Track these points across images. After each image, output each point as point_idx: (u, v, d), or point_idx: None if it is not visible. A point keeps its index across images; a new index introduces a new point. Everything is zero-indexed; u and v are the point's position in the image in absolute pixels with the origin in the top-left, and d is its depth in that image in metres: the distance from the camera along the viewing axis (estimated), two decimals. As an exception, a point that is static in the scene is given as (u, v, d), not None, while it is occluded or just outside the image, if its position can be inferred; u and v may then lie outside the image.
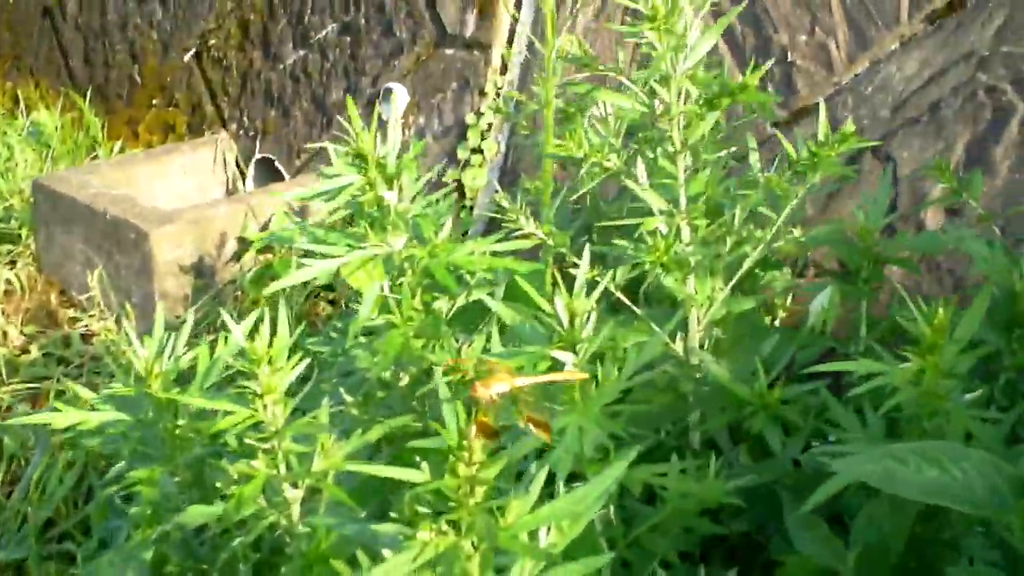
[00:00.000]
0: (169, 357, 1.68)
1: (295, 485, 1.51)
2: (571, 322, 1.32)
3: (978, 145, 2.43)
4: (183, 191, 3.38)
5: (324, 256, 1.73)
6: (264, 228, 3.05)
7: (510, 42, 2.92)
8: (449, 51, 2.96)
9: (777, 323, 2.10)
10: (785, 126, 2.65)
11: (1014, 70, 2.42)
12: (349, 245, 1.72)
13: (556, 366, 1.35)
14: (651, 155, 1.64)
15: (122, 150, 3.74)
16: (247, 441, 1.47)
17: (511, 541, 1.06)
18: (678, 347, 1.72)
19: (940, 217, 2.43)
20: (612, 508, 1.48)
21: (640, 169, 1.57)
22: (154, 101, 3.65)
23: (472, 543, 1.07)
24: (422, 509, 1.05)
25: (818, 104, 2.36)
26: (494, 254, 1.71)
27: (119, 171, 3.32)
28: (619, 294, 1.69)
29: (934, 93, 2.50)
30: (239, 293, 2.98)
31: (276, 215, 3.02)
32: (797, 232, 2.24)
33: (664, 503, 1.46)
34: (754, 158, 1.67)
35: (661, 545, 1.46)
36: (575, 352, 1.34)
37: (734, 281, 1.73)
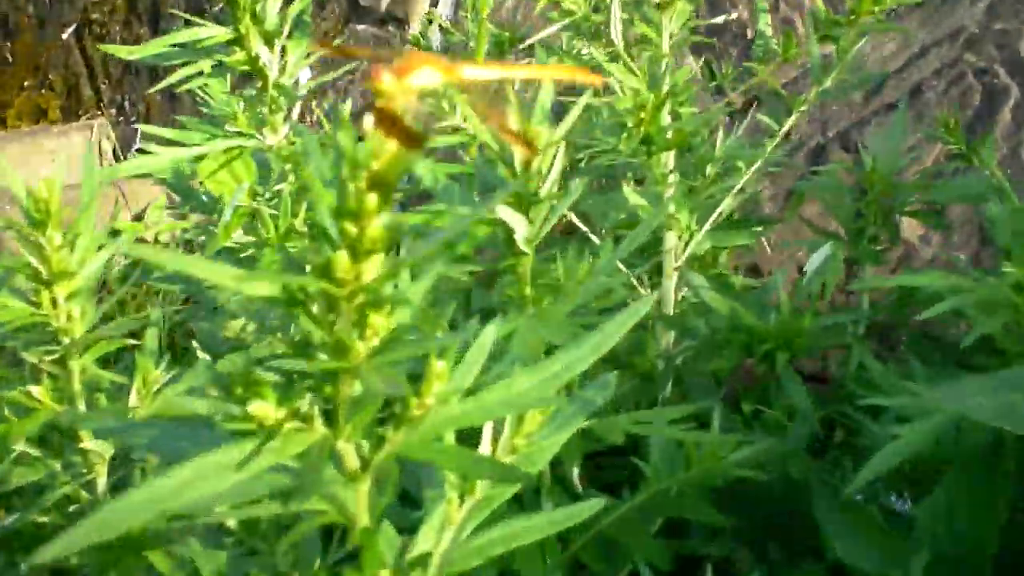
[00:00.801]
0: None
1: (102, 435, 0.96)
2: (528, 161, 0.80)
3: (965, 134, 1.98)
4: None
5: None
6: (138, 218, 2.49)
7: (431, 20, 2.42)
8: (361, 26, 2.46)
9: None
10: (742, 114, 2.18)
11: (1009, 49, 1.99)
12: (210, 134, 1.19)
13: (500, 230, 0.83)
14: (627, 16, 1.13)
15: (-15, 136, 3.15)
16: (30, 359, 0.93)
17: (431, 448, 0.53)
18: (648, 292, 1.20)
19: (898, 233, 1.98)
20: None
21: (614, 17, 1.07)
22: (26, 83, 3.07)
23: (360, 447, 0.54)
24: (266, 375, 0.52)
25: (785, 86, 1.87)
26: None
27: (-27, 151, 2.73)
28: (574, 218, 1.18)
29: (915, 75, 2.05)
30: (104, 292, 2.40)
31: (152, 204, 2.46)
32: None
33: (645, 483, 0.93)
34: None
35: (638, 542, 0.92)
36: (528, 211, 0.81)
37: (713, 217, 1.23)
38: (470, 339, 0.58)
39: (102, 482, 0.97)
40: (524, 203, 0.82)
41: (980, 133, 1.97)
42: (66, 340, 0.89)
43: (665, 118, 1.04)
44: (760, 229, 1.38)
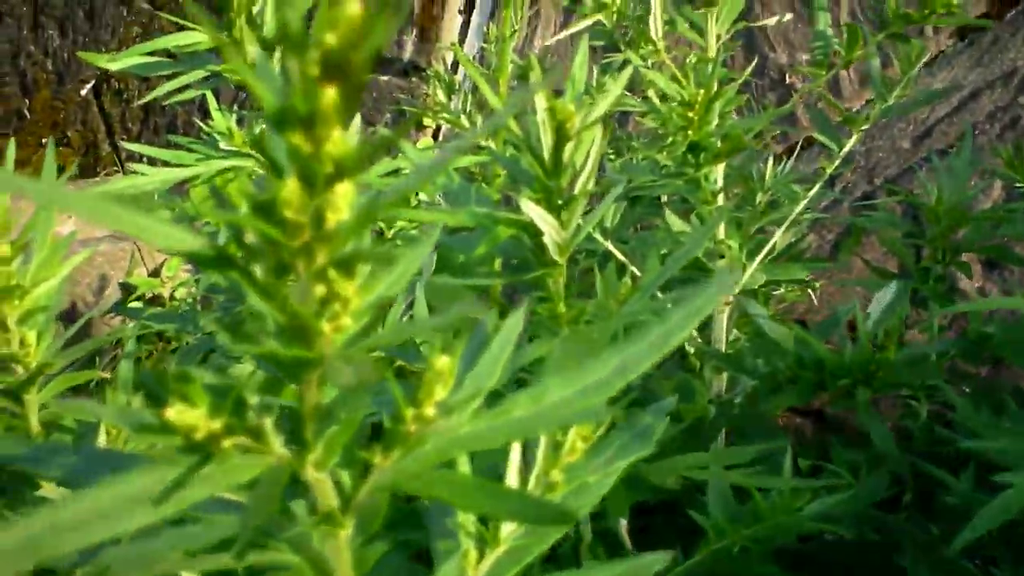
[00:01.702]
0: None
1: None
2: (557, 145, 0.65)
3: (1023, 178, 1.82)
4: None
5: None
6: (155, 274, 2.35)
7: (455, 68, 2.29)
8: (384, 77, 2.33)
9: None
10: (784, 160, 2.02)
11: (1066, 89, 1.84)
12: (204, 154, 1.05)
13: (523, 230, 0.67)
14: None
15: (2, 195, 3.00)
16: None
17: (435, 479, 0.37)
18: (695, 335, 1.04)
19: (977, 267, 1.81)
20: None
21: (654, 16, 0.92)
22: (44, 140, 2.95)
23: (339, 477, 0.38)
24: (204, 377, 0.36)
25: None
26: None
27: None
28: (610, 246, 1.02)
29: (966, 119, 1.89)
30: (121, 349, 2.25)
31: (168, 260, 2.32)
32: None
33: (704, 541, 0.76)
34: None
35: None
36: (558, 207, 0.66)
37: (768, 248, 1.08)
38: (488, 334, 0.42)
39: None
40: (554, 200, 0.66)
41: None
42: (19, 370, 0.74)
43: (713, 123, 0.88)
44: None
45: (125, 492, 0.34)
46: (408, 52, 2.32)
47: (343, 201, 0.32)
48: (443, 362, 0.37)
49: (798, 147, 1.87)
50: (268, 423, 0.36)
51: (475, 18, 2.22)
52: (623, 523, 0.72)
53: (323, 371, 0.35)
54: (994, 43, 1.90)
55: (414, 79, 2.30)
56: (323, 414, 0.36)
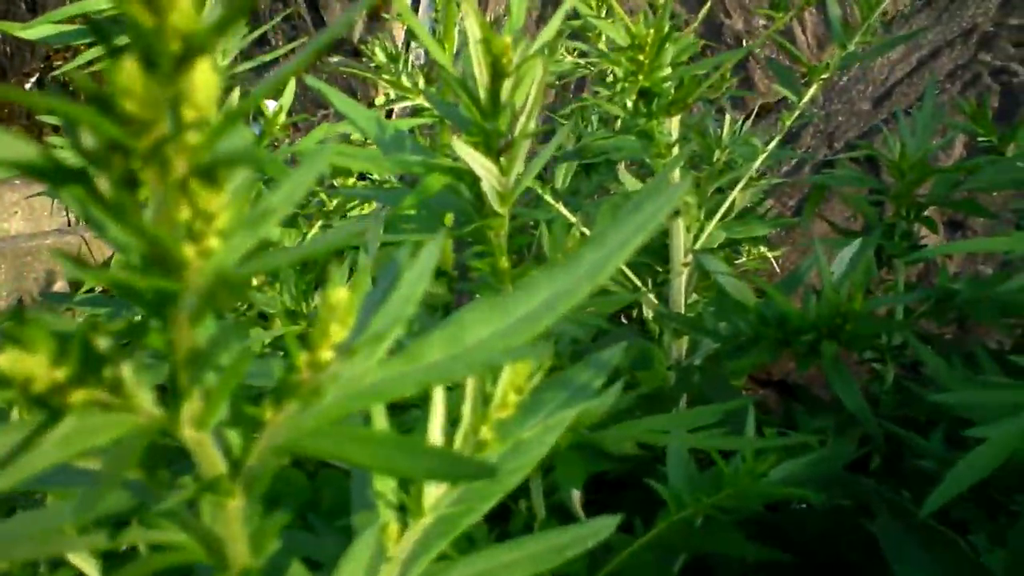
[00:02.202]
0: None
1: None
2: (493, 83, 0.59)
3: (985, 137, 1.77)
4: (14, 233, 2.57)
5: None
6: (105, 267, 2.27)
7: (407, 47, 2.23)
8: (334, 59, 2.26)
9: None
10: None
11: (1026, 46, 1.79)
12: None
13: (460, 178, 0.62)
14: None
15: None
16: None
17: (337, 436, 0.32)
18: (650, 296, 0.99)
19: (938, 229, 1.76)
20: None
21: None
22: (-13, 136, 2.85)
23: (224, 436, 0.32)
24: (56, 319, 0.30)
25: (784, 99, 1.67)
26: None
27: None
28: (559, 207, 0.97)
29: (926, 79, 1.85)
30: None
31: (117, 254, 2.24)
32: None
33: (663, 512, 0.70)
34: None
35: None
36: (497, 152, 0.60)
37: (727, 204, 1.03)
38: (400, 271, 0.36)
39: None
40: (493, 144, 0.60)
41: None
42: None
43: (666, 68, 0.83)
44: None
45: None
46: (358, 33, 2.25)
47: (202, 92, 0.26)
48: (340, 295, 0.31)
49: (754, 113, 1.81)
50: (129, 373, 0.30)
51: (421, 14, 2.16)
52: (576, 495, 0.66)
53: (192, 306, 0.29)
54: (952, 1, 1.86)
55: (365, 60, 2.24)
56: (199, 359, 0.30)
